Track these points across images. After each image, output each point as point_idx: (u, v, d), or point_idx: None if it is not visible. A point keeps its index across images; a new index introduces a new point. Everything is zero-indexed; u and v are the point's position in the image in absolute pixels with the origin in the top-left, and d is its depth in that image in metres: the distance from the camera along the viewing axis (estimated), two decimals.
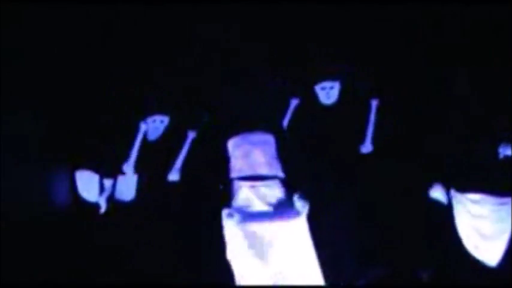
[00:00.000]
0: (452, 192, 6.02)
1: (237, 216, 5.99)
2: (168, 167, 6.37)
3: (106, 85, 6.67)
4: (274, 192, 6.06)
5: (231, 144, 6.23)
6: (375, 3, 6.59)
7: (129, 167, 6.41)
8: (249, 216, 6.00)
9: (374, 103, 6.46)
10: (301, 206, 5.95)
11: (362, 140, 6.33)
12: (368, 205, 6.18)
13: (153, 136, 6.52)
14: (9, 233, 6.08)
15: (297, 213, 5.97)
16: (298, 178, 6.08)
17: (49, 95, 6.50)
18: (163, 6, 6.65)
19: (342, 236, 6.10)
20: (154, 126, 6.52)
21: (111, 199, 6.45)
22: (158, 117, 6.52)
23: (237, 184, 6.10)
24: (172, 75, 6.76)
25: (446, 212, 6.01)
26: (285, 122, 6.52)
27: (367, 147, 6.33)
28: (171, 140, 6.47)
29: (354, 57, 6.64)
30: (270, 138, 6.22)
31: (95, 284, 6.13)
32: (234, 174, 6.14)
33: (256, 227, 5.96)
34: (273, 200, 6.03)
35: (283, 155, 6.16)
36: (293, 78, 6.73)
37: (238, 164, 6.16)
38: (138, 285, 6.07)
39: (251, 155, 6.16)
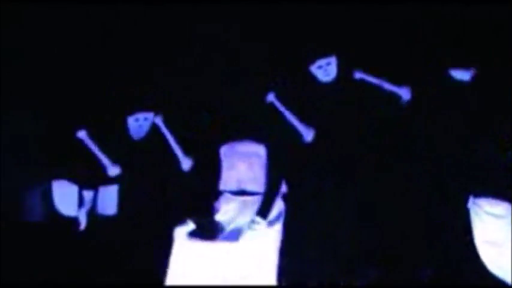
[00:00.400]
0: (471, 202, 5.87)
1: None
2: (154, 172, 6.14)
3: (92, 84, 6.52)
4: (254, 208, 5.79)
5: (222, 152, 5.96)
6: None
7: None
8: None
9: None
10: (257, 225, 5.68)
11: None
12: (368, 205, 6.12)
13: (136, 135, 6.22)
14: None
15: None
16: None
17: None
18: (161, 5, 6.60)
19: (342, 235, 6.05)
20: (137, 124, 6.22)
21: (92, 213, 6.08)
22: (141, 115, 6.25)
23: (225, 196, 5.83)
24: (168, 75, 6.66)
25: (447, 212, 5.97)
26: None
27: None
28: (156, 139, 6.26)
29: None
30: (261, 150, 5.91)
31: None
32: (221, 186, 5.87)
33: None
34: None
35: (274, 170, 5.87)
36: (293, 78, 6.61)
37: (224, 176, 5.87)
38: None
39: (237, 168, 5.84)
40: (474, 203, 5.85)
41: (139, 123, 6.24)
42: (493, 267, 5.72)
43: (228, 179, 5.81)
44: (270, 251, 5.65)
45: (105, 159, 6.13)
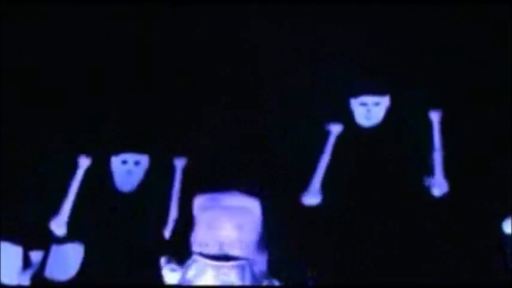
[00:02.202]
0: None
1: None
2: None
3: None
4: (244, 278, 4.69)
5: (197, 204, 4.91)
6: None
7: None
8: None
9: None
10: None
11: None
12: None
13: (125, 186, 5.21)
14: None
15: None
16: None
17: None
18: None
19: None
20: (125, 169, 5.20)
21: (39, 278, 5.05)
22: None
23: (198, 260, 4.77)
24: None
25: None
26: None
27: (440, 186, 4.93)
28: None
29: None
30: (253, 205, 4.84)
31: None
32: (195, 247, 4.80)
33: None
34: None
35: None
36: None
37: (201, 236, 4.81)
38: None
39: (219, 225, 4.79)
40: None
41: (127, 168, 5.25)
42: None
43: (208, 240, 4.76)
44: None
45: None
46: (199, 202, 4.85)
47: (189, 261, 4.73)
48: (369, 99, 5.15)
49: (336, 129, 5.20)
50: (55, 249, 5.15)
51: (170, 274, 4.80)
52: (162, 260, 4.87)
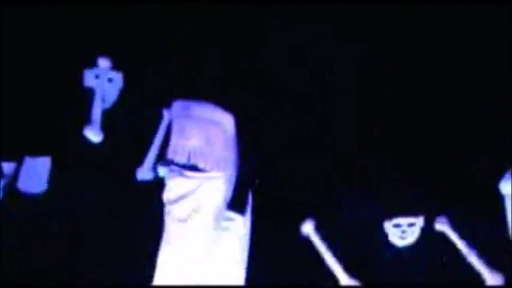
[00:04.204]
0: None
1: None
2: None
3: None
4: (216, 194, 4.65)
5: (173, 110, 4.82)
6: None
7: None
8: None
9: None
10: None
11: None
12: None
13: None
14: None
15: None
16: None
17: None
18: None
19: None
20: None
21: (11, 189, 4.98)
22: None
23: (172, 169, 4.70)
24: None
25: None
26: None
27: None
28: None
29: None
30: (225, 120, 4.77)
31: None
32: (168, 153, 4.73)
33: None
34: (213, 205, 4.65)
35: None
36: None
37: (173, 142, 4.70)
38: None
39: (187, 134, 4.67)
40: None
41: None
42: None
43: (178, 147, 4.67)
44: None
45: None
46: (174, 108, 4.81)
47: (169, 172, 4.71)
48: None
49: None
50: (29, 162, 5.08)
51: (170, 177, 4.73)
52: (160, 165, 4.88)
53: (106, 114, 5.31)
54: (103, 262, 5.07)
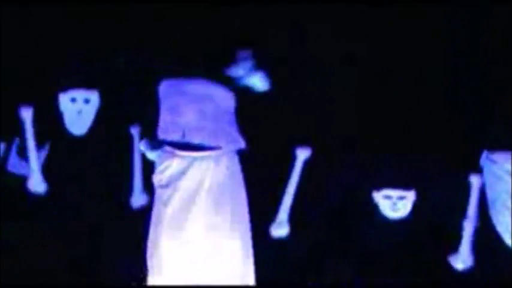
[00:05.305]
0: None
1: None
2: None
3: None
4: (217, 170, 4.47)
5: (161, 90, 4.65)
6: None
7: None
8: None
9: None
10: None
11: None
12: None
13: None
14: None
15: None
16: None
17: None
18: None
19: None
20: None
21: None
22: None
23: (165, 149, 4.56)
24: None
25: None
26: None
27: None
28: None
29: None
30: (217, 93, 4.62)
31: None
32: (160, 133, 4.60)
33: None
34: (211, 182, 4.48)
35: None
36: None
37: (164, 121, 4.57)
38: None
39: (180, 111, 4.53)
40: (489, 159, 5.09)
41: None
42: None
43: (170, 126, 4.55)
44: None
45: None
46: (162, 88, 4.64)
47: (160, 153, 4.56)
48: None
49: None
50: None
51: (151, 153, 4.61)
52: (143, 143, 4.67)
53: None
54: (103, 262, 5.05)
